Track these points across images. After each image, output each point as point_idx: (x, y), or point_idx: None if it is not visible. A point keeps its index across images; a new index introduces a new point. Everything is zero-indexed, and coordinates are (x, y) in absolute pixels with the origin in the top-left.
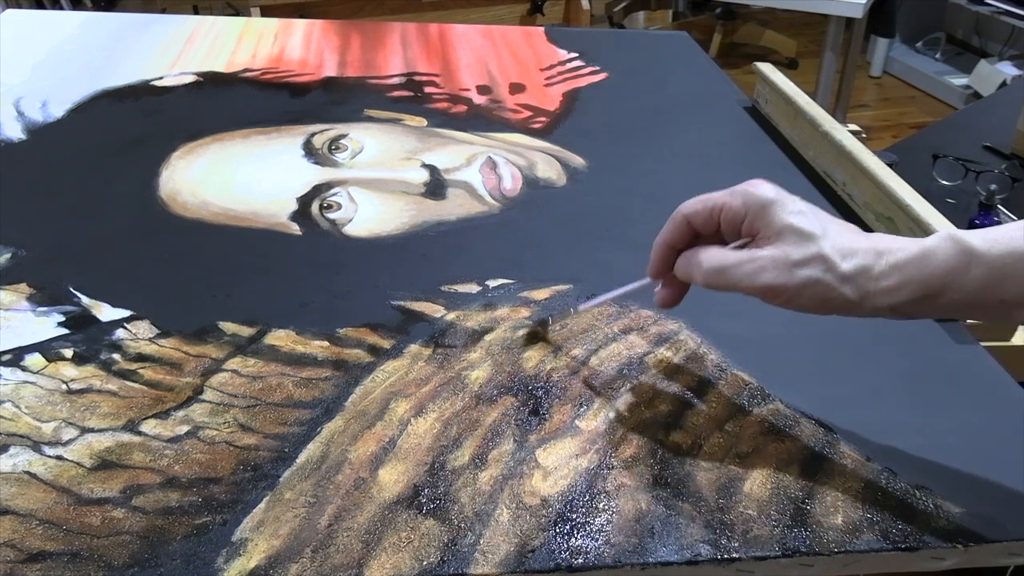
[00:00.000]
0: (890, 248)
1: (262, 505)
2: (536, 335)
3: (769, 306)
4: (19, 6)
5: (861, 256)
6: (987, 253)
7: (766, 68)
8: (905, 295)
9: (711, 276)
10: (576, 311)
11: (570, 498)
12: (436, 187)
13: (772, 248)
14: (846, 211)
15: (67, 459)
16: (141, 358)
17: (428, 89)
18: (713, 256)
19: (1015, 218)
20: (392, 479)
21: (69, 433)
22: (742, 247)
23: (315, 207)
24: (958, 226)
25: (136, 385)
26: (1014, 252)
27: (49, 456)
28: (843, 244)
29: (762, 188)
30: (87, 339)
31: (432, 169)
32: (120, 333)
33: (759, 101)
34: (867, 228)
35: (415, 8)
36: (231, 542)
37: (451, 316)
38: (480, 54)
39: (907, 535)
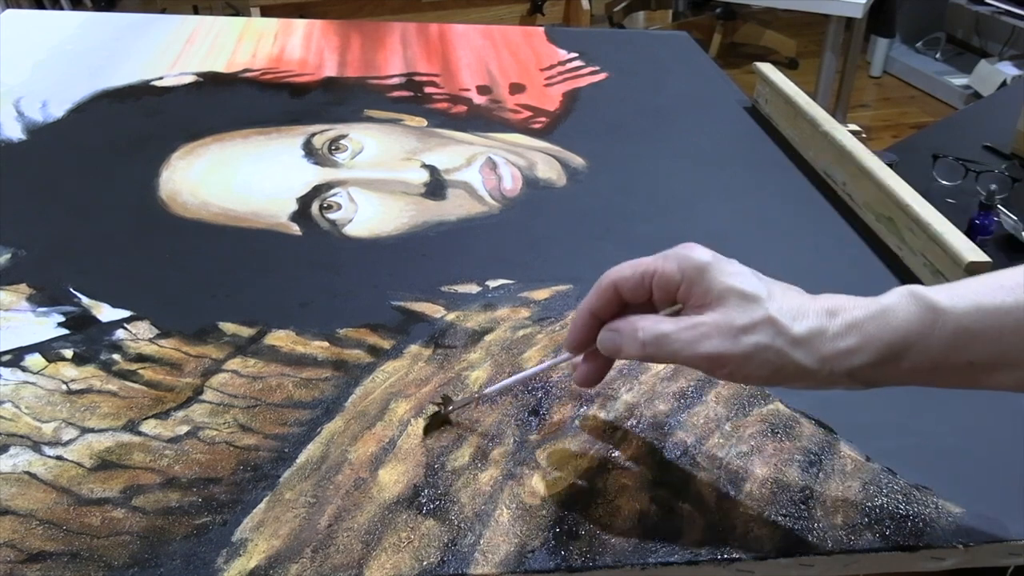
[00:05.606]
0: (844, 307)
1: (262, 505)
2: (438, 416)
3: None
4: (19, 6)
5: (813, 317)
6: (952, 310)
7: (766, 68)
8: (865, 357)
9: (649, 346)
10: (481, 395)
11: (570, 498)
12: (436, 187)
13: (714, 313)
14: (846, 211)
15: (67, 459)
16: (141, 358)
17: (428, 89)
18: (648, 325)
19: (1015, 218)
20: (392, 479)
21: (69, 433)
22: (675, 315)
23: (315, 207)
24: (958, 226)
25: (136, 385)
26: (980, 307)
27: (49, 456)
28: (792, 306)
29: (697, 251)
30: (87, 339)
31: (432, 169)
32: (120, 333)
33: (759, 101)
34: (867, 228)
35: (415, 8)
36: (231, 542)
37: (451, 316)
38: (480, 54)
39: (907, 535)
